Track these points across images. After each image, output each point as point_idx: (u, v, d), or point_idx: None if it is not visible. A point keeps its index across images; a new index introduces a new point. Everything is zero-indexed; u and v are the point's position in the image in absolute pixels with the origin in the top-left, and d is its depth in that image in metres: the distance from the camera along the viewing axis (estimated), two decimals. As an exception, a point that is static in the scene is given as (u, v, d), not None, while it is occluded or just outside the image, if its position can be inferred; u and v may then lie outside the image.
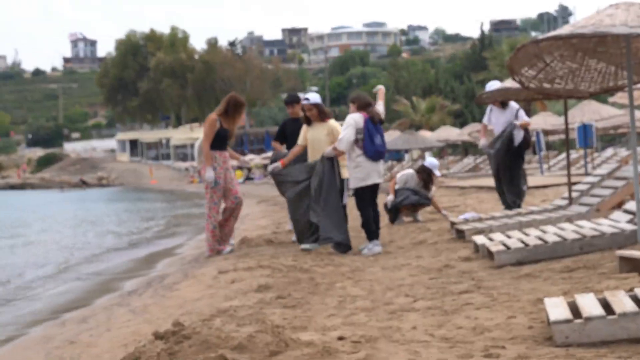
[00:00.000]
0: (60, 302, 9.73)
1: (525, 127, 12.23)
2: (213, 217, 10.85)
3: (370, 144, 10.03)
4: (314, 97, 10.67)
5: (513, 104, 12.23)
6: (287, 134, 11.63)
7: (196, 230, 18.81)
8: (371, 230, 10.10)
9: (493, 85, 12.21)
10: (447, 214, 13.14)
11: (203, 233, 11.36)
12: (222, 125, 10.84)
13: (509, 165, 12.11)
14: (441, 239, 10.50)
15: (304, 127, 10.78)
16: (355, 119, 10.02)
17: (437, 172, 13.52)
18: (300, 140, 10.79)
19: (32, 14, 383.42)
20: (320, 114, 10.58)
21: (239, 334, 4.68)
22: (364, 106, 10.20)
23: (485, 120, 12.73)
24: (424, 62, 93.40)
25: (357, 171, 10.03)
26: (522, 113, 12.20)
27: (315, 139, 10.59)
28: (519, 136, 12.12)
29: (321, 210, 10.03)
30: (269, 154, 56.26)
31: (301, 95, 11.63)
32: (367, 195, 10.18)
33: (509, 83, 11.59)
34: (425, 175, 13.36)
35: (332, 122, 10.69)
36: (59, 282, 11.70)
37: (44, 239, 19.92)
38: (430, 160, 13.98)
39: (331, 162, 10.12)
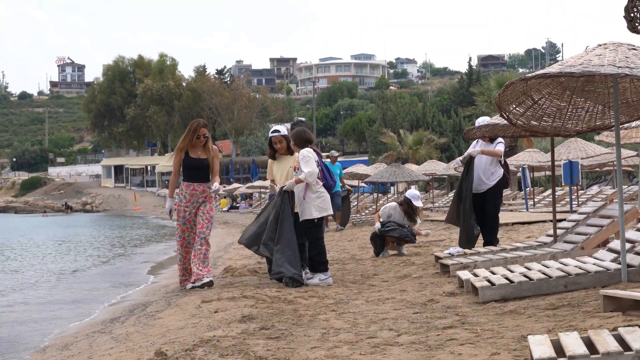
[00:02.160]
0: (37, 328, 9.62)
1: (506, 166, 12.22)
2: (178, 250, 10.73)
3: (328, 175, 10.34)
4: (283, 129, 10.63)
5: (498, 138, 12.17)
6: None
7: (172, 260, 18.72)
8: (325, 262, 10.22)
9: (483, 121, 12.21)
10: (428, 233, 13.13)
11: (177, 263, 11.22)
12: (188, 154, 10.49)
13: (489, 202, 12.06)
14: (426, 273, 10.49)
15: (270, 162, 10.74)
16: (311, 153, 10.14)
17: (416, 202, 13.44)
18: (269, 175, 10.80)
19: (19, 37, 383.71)
20: (288, 147, 10.51)
21: (221, 365, 4.66)
22: (303, 143, 10.33)
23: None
24: (411, 95, 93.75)
25: (320, 201, 10.18)
26: (500, 146, 12.05)
27: (282, 172, 10.52)
28: (497, 174, 12.06)
29: (274, 244, 9.90)
30: (255, 182, 56.27)
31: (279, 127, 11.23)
32: (322, 226, 10.35)
33: (497, 119, 11.62)
34: (407, 207, 13.36)
35: (301, 152, 10.39)
36: (35, 307, 11.57)
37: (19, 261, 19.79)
38: (410, 191, 13.94)
39: (288, 195, 10.06)
